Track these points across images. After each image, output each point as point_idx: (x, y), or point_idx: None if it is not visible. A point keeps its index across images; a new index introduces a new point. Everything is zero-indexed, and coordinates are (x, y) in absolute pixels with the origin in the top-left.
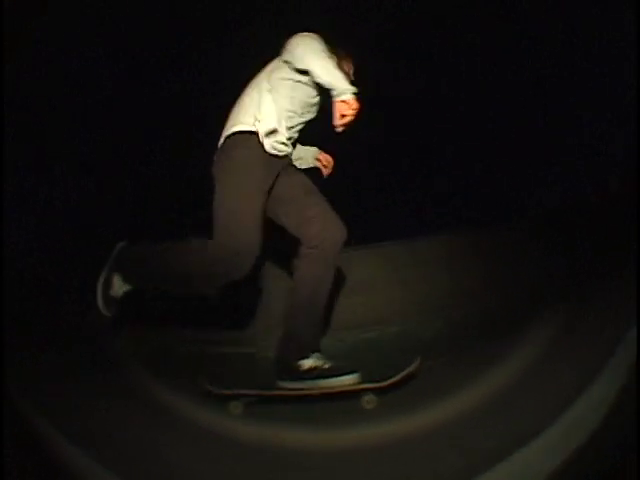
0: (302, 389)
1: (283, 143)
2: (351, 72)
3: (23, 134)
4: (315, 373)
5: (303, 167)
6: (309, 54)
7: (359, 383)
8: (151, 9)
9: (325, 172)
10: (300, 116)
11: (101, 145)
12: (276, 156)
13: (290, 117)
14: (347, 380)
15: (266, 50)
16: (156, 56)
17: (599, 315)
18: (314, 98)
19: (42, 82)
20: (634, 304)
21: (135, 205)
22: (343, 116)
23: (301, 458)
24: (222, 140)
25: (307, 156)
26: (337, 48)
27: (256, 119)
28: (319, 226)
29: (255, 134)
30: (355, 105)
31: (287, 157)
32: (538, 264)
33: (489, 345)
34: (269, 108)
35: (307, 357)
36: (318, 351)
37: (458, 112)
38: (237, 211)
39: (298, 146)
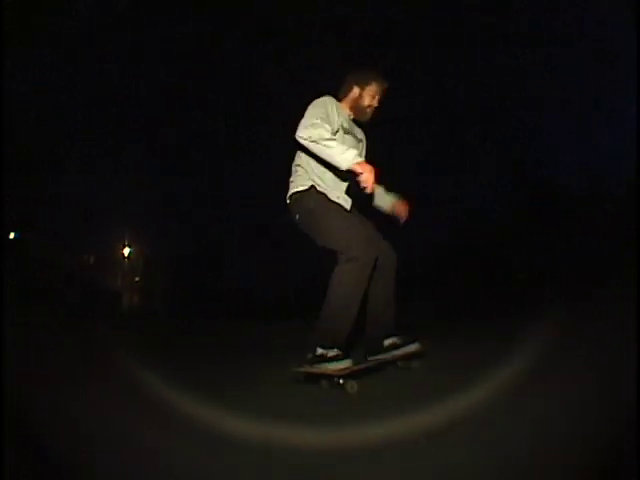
0: (384, 359)
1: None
2: (374, 102)
3: None
4: (393, 346)
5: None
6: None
7: (420, 350)
8: None
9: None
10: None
11: None
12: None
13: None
14: (412, 348)
15: None
16: None
17: (599, 315)
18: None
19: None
20: (634, 304)
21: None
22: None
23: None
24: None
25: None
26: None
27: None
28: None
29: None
30: (367, 167)
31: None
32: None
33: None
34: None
35: (391, 336)
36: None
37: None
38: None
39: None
